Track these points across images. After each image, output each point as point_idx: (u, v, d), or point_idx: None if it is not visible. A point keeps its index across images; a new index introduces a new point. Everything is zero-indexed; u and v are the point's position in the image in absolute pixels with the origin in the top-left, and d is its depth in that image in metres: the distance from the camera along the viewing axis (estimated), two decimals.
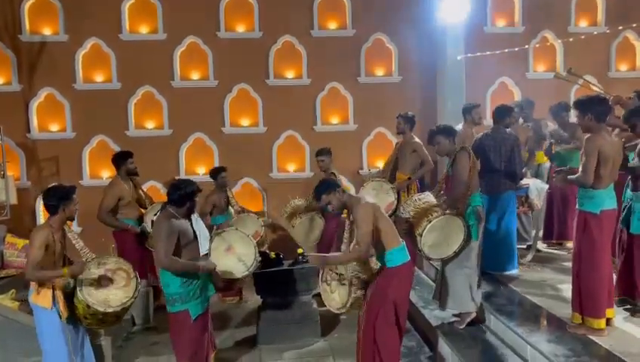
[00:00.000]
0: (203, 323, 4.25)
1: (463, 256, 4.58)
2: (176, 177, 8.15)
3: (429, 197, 4.66)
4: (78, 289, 3.88)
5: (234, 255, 4.80)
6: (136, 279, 4.07)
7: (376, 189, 5.93)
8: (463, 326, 4.74)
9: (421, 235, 4.41)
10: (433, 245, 4.48)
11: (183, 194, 4.07)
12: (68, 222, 4.10)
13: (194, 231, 4.27)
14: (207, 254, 4.51)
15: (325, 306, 4.26)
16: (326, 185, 4.08)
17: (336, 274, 4.05)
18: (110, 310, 3.88)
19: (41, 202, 7.83)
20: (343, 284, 4.00)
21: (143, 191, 6.39)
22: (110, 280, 3.98)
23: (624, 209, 4.44)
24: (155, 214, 4.36)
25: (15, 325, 4.47)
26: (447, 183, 4.78)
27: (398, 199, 5.88)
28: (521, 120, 6.66)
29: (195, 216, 4.47)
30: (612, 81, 8.44)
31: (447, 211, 4.43)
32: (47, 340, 3.99)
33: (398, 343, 4.12)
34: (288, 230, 6.36)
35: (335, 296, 4.07)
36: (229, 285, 5.50)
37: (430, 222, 4.40)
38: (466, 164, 4.51)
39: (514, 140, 5.51)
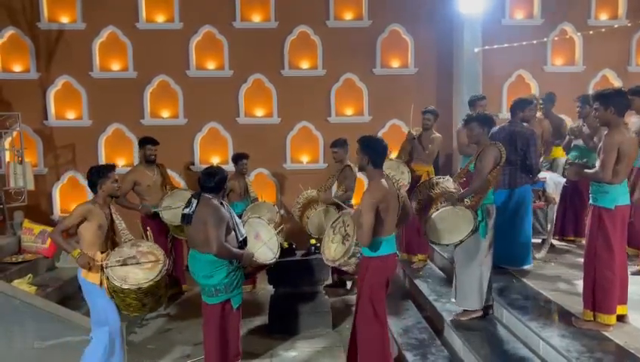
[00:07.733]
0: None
1: (474, 253, 4.56)
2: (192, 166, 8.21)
3: (447, 183, 4.55)
4: (104, 265, 3.97)
5: (261, 241, 4.83)
6: (163, 265, 4.06)
7: (391, 168, 5.86)
8: (466, 319, 4.73)
9: (427, 221, 4.44)
10: (439, 231, 4.45)
11: (219, 180, 4.19)
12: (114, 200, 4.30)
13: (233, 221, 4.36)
14: (245, 239, 4.47)
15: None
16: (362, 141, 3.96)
17: (345, 231, 4.11)
18: (125, 286, 3.88)
19: (58, 188, 8.08)
20: (344, 244, 4.06)
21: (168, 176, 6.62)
22: (136, 261, 4.04)
23: None
24: (188, 203, 4.25)
25: (32, 309, 4.53)
26: (467, 177, 4.74)
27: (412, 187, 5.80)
28: (539, 113, 6.56)
29: (226, 203, 4.52)
30: (632, 75, 8.31)
31: (458, 204, 4.39)
32: (96, 313, 4.16)
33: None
34: (302, 222, 6.35)
35: (332, 247, 4.15)
36: (254, 272, 5.53)
37: (438, 210, 4.40)
38: (491, 161, 4.42)
39: (530, 134, 5.43)
